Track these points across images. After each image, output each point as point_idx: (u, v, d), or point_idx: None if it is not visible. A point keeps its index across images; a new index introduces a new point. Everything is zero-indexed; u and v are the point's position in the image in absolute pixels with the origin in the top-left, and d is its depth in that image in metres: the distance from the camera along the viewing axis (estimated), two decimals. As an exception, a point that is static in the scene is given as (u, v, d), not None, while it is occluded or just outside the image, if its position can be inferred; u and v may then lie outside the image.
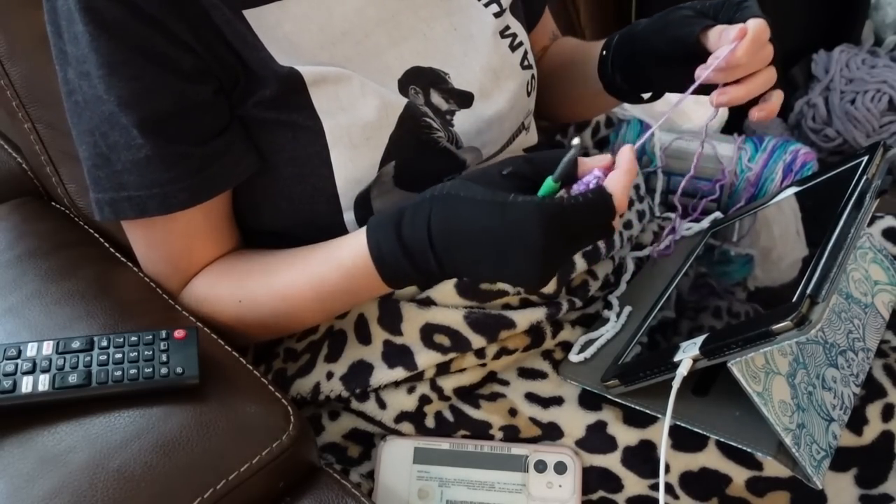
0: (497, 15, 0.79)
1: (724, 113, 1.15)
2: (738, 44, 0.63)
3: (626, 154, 0.59)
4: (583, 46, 0.93)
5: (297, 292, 0.69)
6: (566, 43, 0.97)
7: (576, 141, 0.60)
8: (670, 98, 1.11)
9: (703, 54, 0.66)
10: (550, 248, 0.56)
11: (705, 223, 0.90)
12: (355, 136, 0.69)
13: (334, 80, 0.68)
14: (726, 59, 0.63)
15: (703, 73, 0.65)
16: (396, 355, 0.71)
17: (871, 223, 0.85)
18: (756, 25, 0.63)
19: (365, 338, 0.73)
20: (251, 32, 0.67)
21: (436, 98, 0.74)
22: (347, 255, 0.66)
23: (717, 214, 0.92)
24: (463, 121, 0.75)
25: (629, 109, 1.12)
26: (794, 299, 0.58)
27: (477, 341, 0.71)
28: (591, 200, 0.57)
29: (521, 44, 0.80)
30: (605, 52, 0.79)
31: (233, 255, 0.74)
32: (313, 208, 0.71)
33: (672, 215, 0.92)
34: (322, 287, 0.68)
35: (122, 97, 0.64)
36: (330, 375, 0.73)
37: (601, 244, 0.77)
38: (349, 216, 0.72)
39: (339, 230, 0.71)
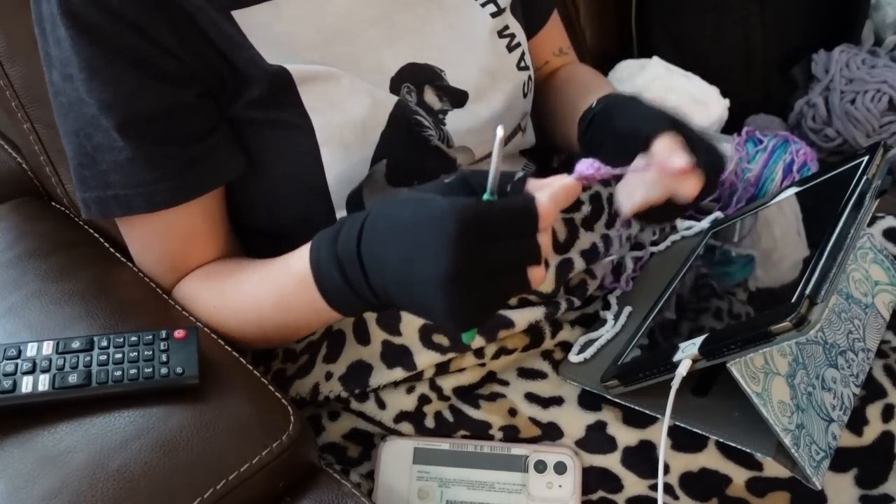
0: (494, 14, 0.79)
1: (724, 113, 1.15)
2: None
3: (565, 180, 0.54)
4: (593, 83, 0.87)
5: (259, 301, 0.68)
6: (584, 71, 0.92)
7: (499, 130, 0.52)
8: (670, 98, 1.12)
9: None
10: (463, 245, 0.50)
11: (705, 223, 0.90)
12: (346, 135, 0.69)
13: (324, 78, 0.68)
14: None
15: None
16: (395, 355, 0.71)
17: (871, 223, 0.85)
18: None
19: (364, 338, 0.73)
20: (238, 32, 0.67)
21: (429, 96, 0.74)
22: (297, 262, 0.63)
23: (718, 214, 0.92)
24: (456, 120, 0.75)
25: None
26: (794, 300, 0.58)
27: (476, 341, 0.71)
28: (510, 201, 0.53)
29: (518, 45, 0.80)
30: (590, 109, 0.73)
31: (220, 261, 0.74)
32: (306, 207, 0.71)
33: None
34: (280, 297, 0.66)
35: (104, 100, 0.64)
36: (329, 376, 0.73)
37: (599, 244, 0.77)
38: (342, 215, 0.72)
39: None
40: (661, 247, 0.87)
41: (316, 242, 0.61)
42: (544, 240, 0.53)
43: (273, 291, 0.66)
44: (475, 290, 0.52)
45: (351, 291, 0.58)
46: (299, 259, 0.63)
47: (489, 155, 0.79)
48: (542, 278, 0.54)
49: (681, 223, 0.91)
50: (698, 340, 0.62)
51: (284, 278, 0.65)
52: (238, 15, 0.67)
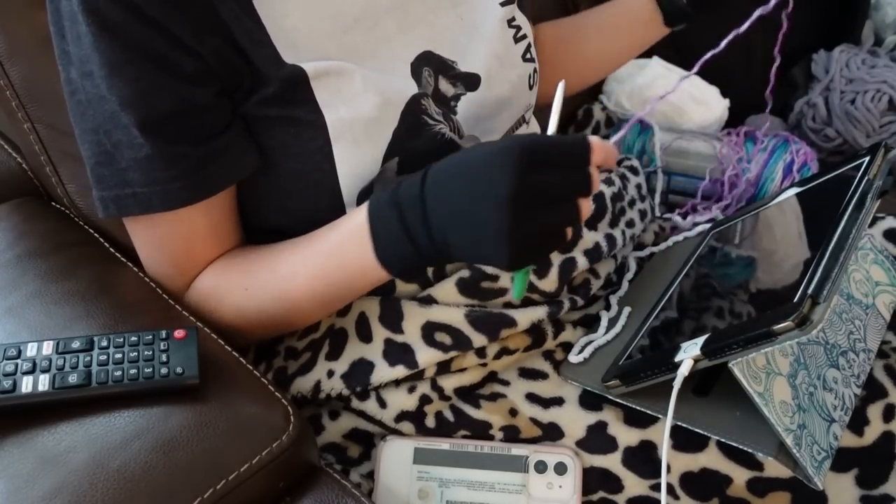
0: (503, 4, 0.79)
1: (724, 113, 1.15)
2: None
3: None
4: (586, 12, 0.98)
5: (301, 270, 0.69)
6: (558, 21, 1.00)
7: (561, 84, 0.64)
8: (669, 97, 1.12)
9: None
10: (525, 166, 0.56)
11: (706, 224, 0.90)
12: (357, 132, 0.69)
13: (337, 73, 0.68)
14: None
15: None
16: (397, 353, 0.71)
17: (872, 224, 0.85)
18: None
19: (366, 336, 0.73)
20: (259, 26, 0.66)
21: (443, 84, 0.74)
22: (350, 219, 0.66)
23: (718, 215, 0.92)
24: (467, 105, 0.75)
25: (629, 109, 1.12)
26: (796, 300, 0.58)
27: (478, 340, 0.71)
28: (567, 137, 0.61)
29: (524, 36, 0.81)
30: None
31: (237, 249, 0.74)
32: (316, 205, 0.71)
33: (672, 215, 0.93)
34: (328, 259, 0.68)
35: (123, 97, 0.64)
36: (331, 373, 0.73)
37: (602, 243, 0.77)
38: None
39: None
40: (662, 247, 0.88)
41: (374, 196, 0.65)
42: (595, 174, 0.60)
43: (319, 257, 0.68)
44: (533, 214, 0.57)
45: (405, 235, 0.62)
46: (352, 217, 0.66)
47: None
48: (589, 210, 0.61)
49: (682, 223, 0.91)
50: (700, 340, 0.62)
51: (333, 238, 0.67)
52: (259, 3, 0.67)
